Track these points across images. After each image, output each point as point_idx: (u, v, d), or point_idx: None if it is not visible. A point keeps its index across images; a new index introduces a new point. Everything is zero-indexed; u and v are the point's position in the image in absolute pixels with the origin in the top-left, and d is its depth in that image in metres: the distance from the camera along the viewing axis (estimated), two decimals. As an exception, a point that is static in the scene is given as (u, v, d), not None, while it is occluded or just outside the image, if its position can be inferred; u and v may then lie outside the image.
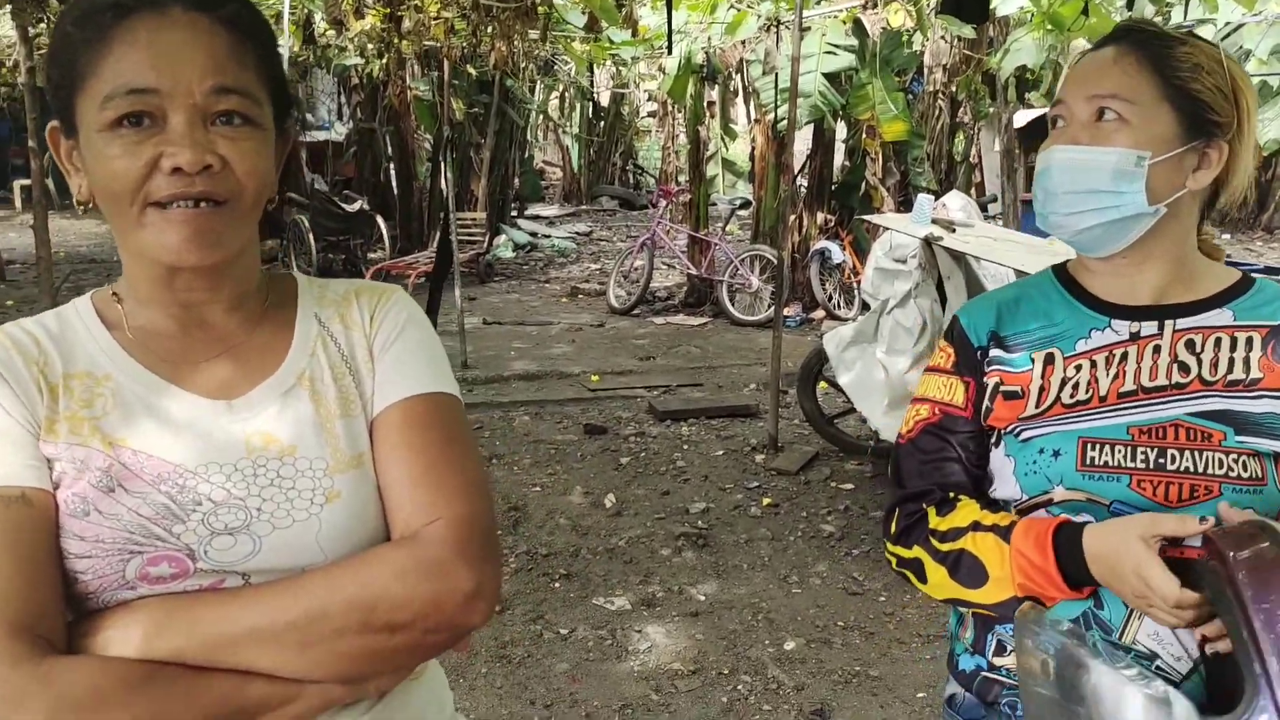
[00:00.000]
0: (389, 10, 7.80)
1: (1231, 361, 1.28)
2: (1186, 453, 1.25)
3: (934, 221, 4.89)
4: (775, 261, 7.17)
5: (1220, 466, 1.24)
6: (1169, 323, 1.31)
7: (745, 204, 10.73)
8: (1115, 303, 1.34)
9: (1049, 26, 7.50)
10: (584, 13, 8.00)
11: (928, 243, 4.80)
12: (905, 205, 9.14)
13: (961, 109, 10.18)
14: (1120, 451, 1.27)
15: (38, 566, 0.94)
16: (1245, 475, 1.23)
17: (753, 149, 10.47)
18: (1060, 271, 1.42)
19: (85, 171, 1.01)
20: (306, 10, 9.04)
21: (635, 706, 3.30)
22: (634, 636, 3.74)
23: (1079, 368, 1.32)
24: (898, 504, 1.41)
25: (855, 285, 9.06)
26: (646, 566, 4.34)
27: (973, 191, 9.95)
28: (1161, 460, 1.25)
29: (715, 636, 3.75)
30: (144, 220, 0.97)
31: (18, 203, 16.90)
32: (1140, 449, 1.26)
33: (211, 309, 1.07)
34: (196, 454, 1.00)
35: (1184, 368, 1.28)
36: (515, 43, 8.42)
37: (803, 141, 10.62)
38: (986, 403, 1.37)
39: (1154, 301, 1.32)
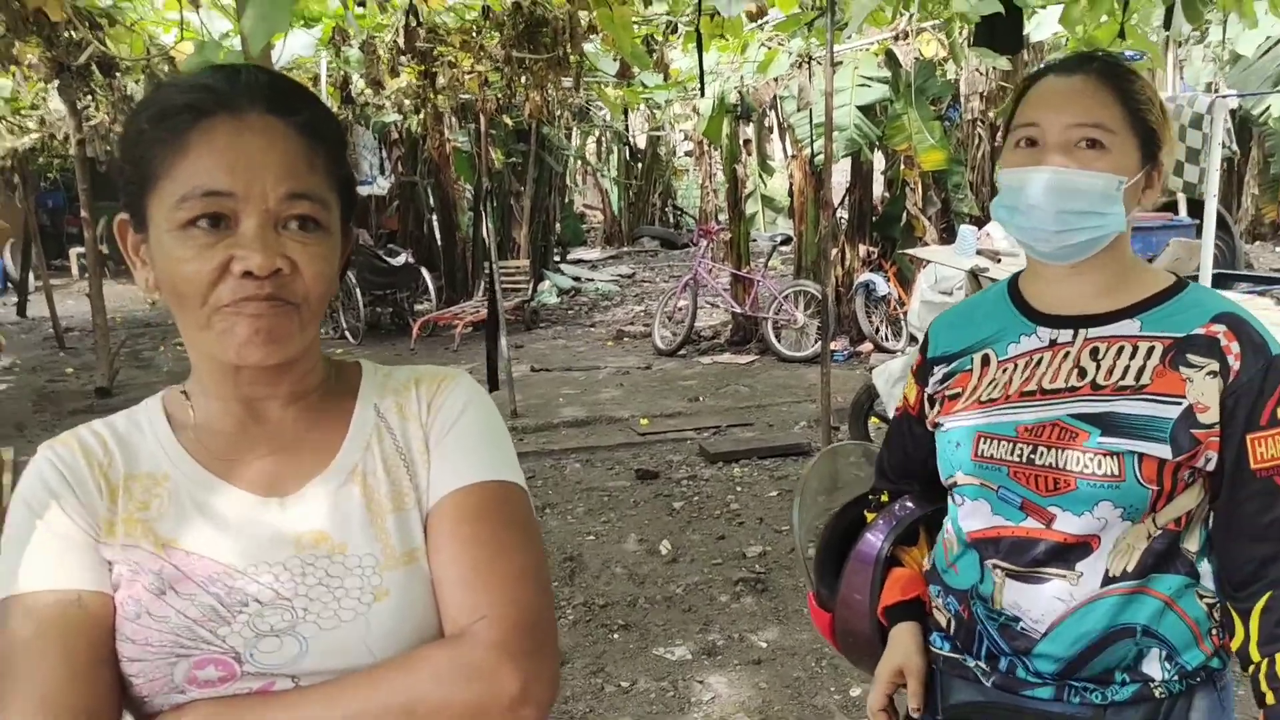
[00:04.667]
0: (423, 68, 7.91)
1: (1127, 369, 1.40)
2: (1053, 450, 1.41)
3: (979, 252, 4.84)
4: (820, 296, 7.14)
5: (1078, 464, 1.39)
6: (1082, 331, 1.45)
7: (786, 240, 10.70)
8: (1045, 312, 1.50)
9: (1085, 50, 7.44)
10: (615, 59, 8.04)
11: (973, 274, 4.76)
12: (948, 233, 9.07)
13: (1000, 134, 10.11)
14: (1004, 446, 1.45)
15: (89, 669, 0.94)
16: (1100, 472, 1.37)
17: (791, 184, 10.46)
18: (1012, 281, 1.59)
19: (153, 267, 1.01)
20: (343, 72, 9.19)
21: (701, 760, 3.25)
22: (696, 687, 3.70)
23: (1005, 370, 1.50)
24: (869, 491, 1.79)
25: (902, 317, 8.98)
26: (706, 614, 4.29)
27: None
28: (1033, 456, 1.42)
29: (779, 684, 3.69)
30: (212, 323, 0.98)
31: (75, 270, 17.32)
32: (1019, 445, 1.44)
33: (270, 404, 1.07)
34: (245, 553, 1.00)
35: (1082, 373, 1.43)
36: (549, 92, 8.50)
37: (841, 174, 10.59)
38: (936, 407, 1.57)
39: (1078, 311, 1.47)
